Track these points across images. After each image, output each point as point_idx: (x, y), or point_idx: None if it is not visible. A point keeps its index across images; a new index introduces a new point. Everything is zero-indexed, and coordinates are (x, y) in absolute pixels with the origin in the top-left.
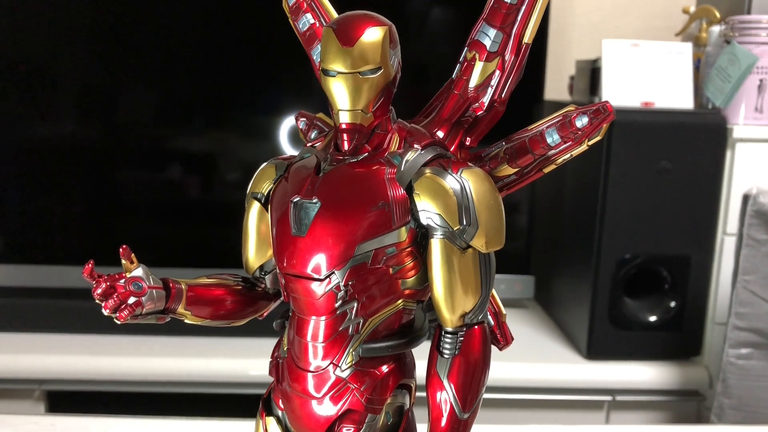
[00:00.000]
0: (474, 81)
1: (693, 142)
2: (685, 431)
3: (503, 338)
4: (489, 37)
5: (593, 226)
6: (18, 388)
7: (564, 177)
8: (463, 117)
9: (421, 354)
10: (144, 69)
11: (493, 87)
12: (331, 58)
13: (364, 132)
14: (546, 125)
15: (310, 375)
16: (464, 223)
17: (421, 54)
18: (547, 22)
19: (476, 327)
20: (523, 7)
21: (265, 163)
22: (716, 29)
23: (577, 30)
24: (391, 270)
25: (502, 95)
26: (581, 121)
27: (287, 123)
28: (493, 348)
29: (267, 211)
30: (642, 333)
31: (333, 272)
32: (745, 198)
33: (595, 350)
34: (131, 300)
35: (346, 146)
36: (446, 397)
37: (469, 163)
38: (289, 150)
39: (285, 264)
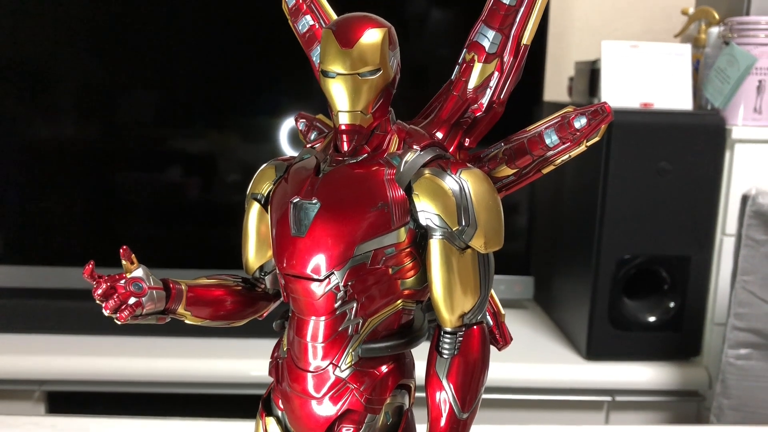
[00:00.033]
0: (473, 82)
1: (692, 143)
2: (685, 431)
3: (502, 338)
4: (488, 38)
5: (593, 226)
6: (18, 388)
7: (563, 178)
8: (462, 118)
9: (420, 354)
10: (144, 70)
11: (492, 88)
12: (330, 59)
13: (363, 133)
14: (545, 126)
15: (309, 375)
16: (463, 223)
17: (421, 55)
18: (547, 24)
19: (475, 327)
20: (522, 9)
21: (264, 164)
22: (715, 30)
23: (577, 31)
24: (390, 270)
25: (501, 96)
26: (580, 122)
27: (287, 124)
28: (493, 348)
29: (267, 211)
30: (641, 333)
31: (332, 273)
32: (744, 198)
33: (595, 351)
34: (131, 300)
35: (345, 147)
36: (445, 397)
37: (468, 164)
38: (288, 151)
39: (285, 264)
